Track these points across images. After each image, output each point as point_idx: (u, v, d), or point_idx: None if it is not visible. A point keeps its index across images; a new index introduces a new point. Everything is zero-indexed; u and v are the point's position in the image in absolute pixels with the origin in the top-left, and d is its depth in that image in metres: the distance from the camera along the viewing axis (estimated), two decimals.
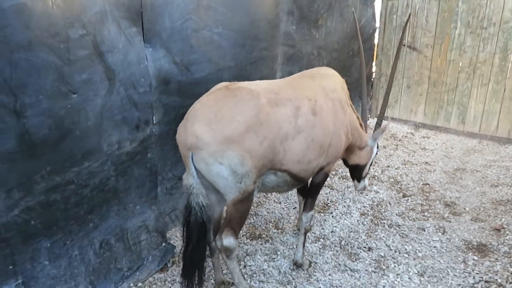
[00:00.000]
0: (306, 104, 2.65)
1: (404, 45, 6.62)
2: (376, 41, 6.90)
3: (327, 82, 3.01)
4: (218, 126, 2.26)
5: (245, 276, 3.15)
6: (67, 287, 2.65)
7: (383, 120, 3.62)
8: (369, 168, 3.55)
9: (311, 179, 3.08)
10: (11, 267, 2.34)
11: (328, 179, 4.86)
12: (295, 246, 3.52)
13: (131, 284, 3.02)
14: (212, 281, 3.03)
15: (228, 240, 2.55)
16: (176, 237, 3.57)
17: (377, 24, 6.78)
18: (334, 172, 5.04)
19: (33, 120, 2.29)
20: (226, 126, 2.27)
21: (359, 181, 3.60)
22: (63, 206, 2.56)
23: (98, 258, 2.84)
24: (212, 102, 2.37)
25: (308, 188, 3.16)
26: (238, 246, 3.54)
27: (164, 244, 3.32)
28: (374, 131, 3.48)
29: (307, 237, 3.63)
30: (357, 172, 3.53)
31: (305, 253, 3.38)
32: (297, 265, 3.23)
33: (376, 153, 3.53)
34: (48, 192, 2.45)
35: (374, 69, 7.11)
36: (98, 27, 2.55)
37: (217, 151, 2.25)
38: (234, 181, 2.34)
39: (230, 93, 2.41)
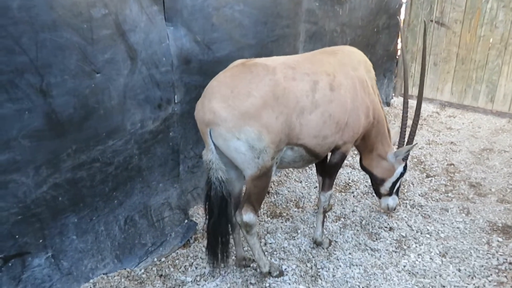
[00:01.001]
0: (324, 79, 2.63)
1: (432, 21, 6.39)
2: (402, 16, 6.68)
3: (349, 59, 2.95)
4: (234, 102, 2.30)
5: (266, 253, 3.20)
6: (94, 260, 2.76)
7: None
8: (392, 189, 3.38)
9: (328, 159, 3.07)
10: (41, 241, 2.45)
11: (350, 158, 4.82)
12: (315, 225, 3.54)
13: (155, 259, 3.11)
14: (234, 257, 3.09)
15: (248, 216, 2.60)
16: (198, 214, 3.64)
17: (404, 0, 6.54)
18: (356, 152, 4.99)
19: (59, 99, 2.34)
20: (243, 102, 2.30)
21: (379, 197, 3.50)
22: (89, 183, 2.63)
23: (123, 234, 2.93)
24: (229, 79, 2.40)
25: (326, 168, 3.15)
26: (259, 224, 3.59)
27: (186, 221, 3.40)
28: (398, 148, 3.32)
29: (326, 216, 3.65)
30: (374, 184, 3.45)
31: (325, 232, 3.40)
32: (317, 244, 3.26)
33: (401, 175, 3.32)
34: (74, 169, 2.53)
35: (399, 46, 6.91)
36: (120, 6, 2.55)
37: (235, 127, 2.29)
38: (252, 156, 2.37)
39: (246, 69, 2.43)
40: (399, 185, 3.44)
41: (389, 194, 3.42)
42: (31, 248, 2.41)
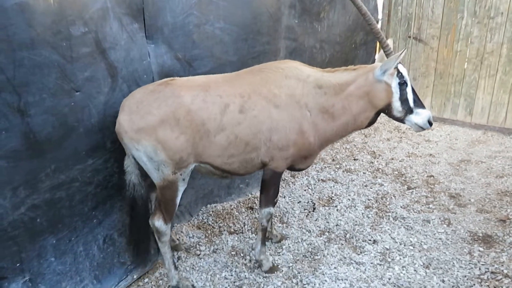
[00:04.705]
0: (237, 101, 2.68)
1: (410, 37, 6.57)
2: None
3: (274, 77, 2.83)
4: (136, 116, 2.51)
5: (249, 270, 3.17)
6: (73, 282, 2.68)
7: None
8: (407, 105, 2.88)
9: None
10: (18, 264, 2.36)
11: (333, 172, 4.85)
12: (300, 240, 3.53)
13: (135, 278, 3.04)
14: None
15: (158, 223, 2.77)
16: (181, 232, 3.59)
17: (380, 16, 6.72)
18: (338, 166, 5.03)
19: (37, 118, 2.30)
20: (142, 118, 2.50)
21: (403, 122, 2.98)
22: (68, 204, 2.57)
23: (102, 253, 2.86)
24: (140, 95, 2.60)
25: (261, 184, 3.04)
26: (243, 240, 3.56)
27: None
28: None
29: (277, 236, 3.53)
30: (390, 115, 2.99)
31: (267, 253, 3.20)
32: (257, 263, 3.19)
33: (402, 85, 2.84)
34: (53, 189, 2.47)
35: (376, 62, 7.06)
36: (100, 24, 2.54)
37: (133, 139, 2.51)
38: (152, 167, 2.59)
39: (157, 88, 2.61)
40: (414, 96, 2.91)
41: (409, 112, 2.90)
42: (8, 273, 2.32)
